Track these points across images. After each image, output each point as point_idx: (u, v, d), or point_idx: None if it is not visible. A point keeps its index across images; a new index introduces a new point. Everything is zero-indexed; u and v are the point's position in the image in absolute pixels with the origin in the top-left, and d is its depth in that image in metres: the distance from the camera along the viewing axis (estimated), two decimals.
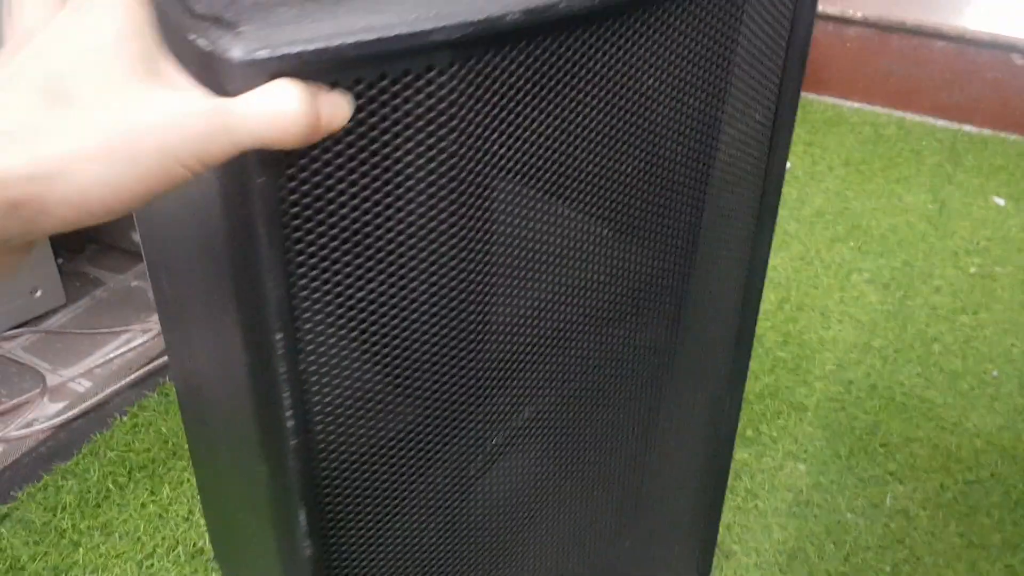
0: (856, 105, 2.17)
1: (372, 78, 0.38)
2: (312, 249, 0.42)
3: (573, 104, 0.46)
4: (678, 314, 0.62)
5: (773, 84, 0.60)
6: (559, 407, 0.59)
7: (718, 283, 0.66)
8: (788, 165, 1.89)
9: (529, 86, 0.43)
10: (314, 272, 0.42)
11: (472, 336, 0.49)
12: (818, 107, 2.17)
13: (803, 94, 2.22)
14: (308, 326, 0.44)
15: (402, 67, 0.38)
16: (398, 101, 0.39)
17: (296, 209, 0.40)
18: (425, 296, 0.46)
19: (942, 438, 1.25)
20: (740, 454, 1.22)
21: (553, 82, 0.44)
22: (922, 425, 1.27)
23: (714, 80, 0.54)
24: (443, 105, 0.41)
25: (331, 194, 0.40)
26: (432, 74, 0.39)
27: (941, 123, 2.10)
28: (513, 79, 0.43)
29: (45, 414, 1.24)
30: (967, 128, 2.08)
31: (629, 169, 0.51)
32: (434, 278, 0.46)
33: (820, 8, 2.17)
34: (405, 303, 0.46)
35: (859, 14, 2.12)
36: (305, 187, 0.39)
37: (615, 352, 0.60)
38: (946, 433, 1.26)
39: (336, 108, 0.36)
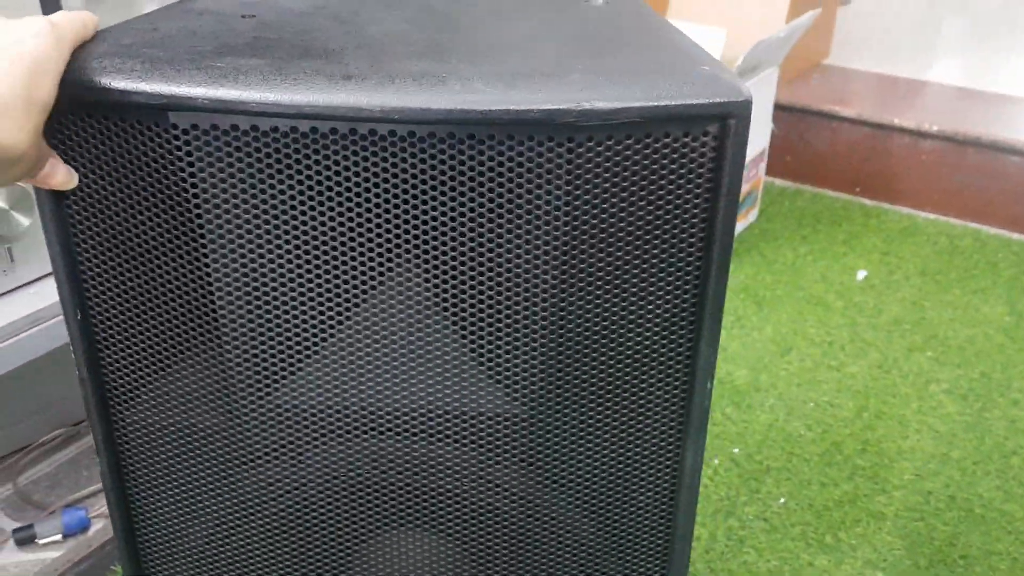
0: (931, 216, 2.22)
1: (150, 122, 0.51)
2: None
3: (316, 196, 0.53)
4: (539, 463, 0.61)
5: (682, 267, 0.54)
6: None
7: (609, 466, 0.63)
8: (864, 273, 1.94)
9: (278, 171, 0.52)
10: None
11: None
12: (893, 216, 2.22)
13: (877, 203, 2.28)
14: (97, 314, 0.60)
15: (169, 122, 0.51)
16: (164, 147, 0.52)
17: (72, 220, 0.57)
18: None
19: (1022, 552, 1.27)
20: (819, 560, 1.25)
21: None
22: (1002, 538, 1.29)
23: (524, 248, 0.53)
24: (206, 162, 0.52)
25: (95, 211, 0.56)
26: (175, 132, 0.51)
27: (1016, 236, 2.13)
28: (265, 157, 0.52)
29: None
30: None
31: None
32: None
33: (896, 121, 2.24)
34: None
35: (935, 127, 2.18)
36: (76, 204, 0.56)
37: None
38: None
39: None
